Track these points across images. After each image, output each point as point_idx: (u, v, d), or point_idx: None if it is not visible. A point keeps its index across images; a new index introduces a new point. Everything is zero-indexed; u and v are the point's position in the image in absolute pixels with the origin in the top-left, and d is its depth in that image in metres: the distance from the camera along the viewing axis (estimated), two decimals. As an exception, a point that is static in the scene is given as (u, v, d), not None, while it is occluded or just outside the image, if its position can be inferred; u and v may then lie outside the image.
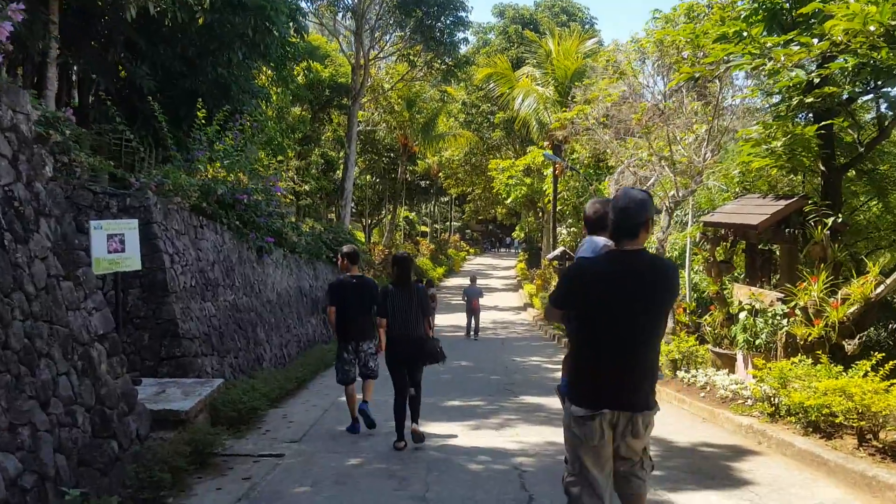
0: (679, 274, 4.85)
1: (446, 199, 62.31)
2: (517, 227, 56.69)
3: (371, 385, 7.44)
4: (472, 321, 19.35)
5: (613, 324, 3.27)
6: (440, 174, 45.93)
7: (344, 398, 7.66)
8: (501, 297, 33.86)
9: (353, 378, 7.35)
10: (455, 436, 7.26)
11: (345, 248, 7.42)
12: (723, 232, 10.13)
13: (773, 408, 7.34)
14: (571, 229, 27.22)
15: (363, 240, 36.11)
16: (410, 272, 6.93)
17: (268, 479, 5.74)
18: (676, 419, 8.32)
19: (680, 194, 11.43)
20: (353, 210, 46.77)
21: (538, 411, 8.85)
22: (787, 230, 9.07)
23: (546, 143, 28.06)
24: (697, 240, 10.83)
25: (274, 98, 29.52)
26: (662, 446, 6.85)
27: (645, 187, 18.47)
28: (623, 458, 3.39)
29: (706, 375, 9.56)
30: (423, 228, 61.67)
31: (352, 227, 42.47)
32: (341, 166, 28.27)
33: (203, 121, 11.00)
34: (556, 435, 5.47)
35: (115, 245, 6.69)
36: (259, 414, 8.17)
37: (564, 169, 27.00)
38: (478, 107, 37.39)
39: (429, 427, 7.65)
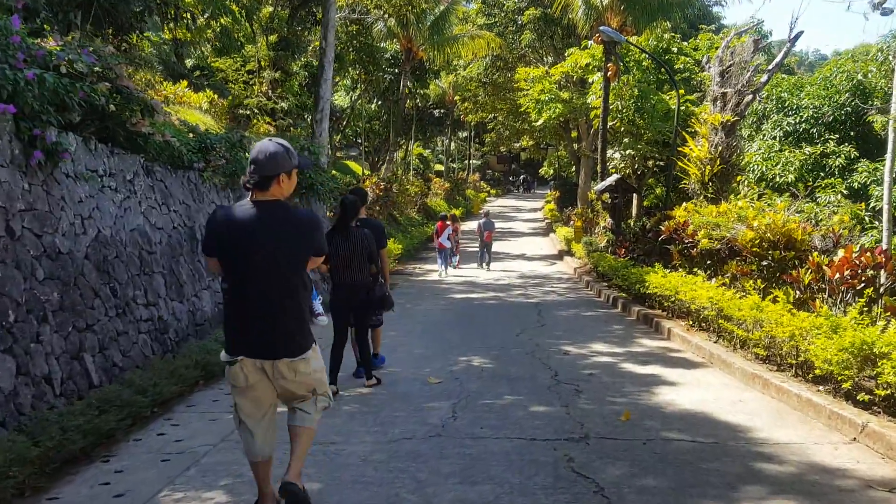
0: (319, 227, 3.59)
1: (465, 134, 55.03)
2: (545, 163, 49.51)
3: (377, 334, 7.27)
4: (486, 253, 19.76)
5: (246, 272, 3.29)
6: (456, 98, 38.65)
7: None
8: (528, 244, 27.77)
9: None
10: None
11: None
12: None
13: None
14: (627, 152, 20.21)
15: (359, 171, 29.46)
16: (352, 215, 6.48)
17: None
18: None
19: None
20: (361, 149, 39.38)
21: None
22: None
23: (594, 39, 21.03)
24: None
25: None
26: None
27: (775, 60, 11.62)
28: (290, 397, 3.53)
29: None
30: (438, 167, 54.67)
31: (359, 164, 35.64)
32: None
33: None
34: None
35: None
36: None
37: (619, 71, 20.07)
38: (501, 6, 29.82)
39: None
